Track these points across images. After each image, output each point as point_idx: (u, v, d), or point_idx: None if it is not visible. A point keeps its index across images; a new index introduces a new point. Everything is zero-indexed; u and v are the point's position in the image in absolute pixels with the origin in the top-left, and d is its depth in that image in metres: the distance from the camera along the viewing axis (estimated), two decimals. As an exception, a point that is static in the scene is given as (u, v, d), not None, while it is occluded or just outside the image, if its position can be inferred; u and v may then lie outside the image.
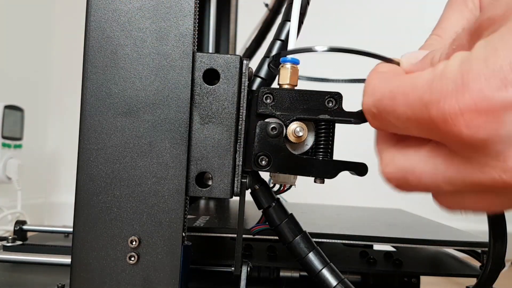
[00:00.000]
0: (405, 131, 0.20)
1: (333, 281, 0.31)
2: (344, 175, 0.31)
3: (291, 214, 0.33)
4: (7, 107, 1.05)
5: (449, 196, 0.20)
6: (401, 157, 0.21)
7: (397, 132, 0.21)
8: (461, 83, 0.17)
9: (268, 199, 0.33)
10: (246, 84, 0.30)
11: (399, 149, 0.21)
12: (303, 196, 0.71)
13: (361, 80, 0.28)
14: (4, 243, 0.49)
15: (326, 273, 0.31)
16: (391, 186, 0.21)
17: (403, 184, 0.21)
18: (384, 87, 0.21)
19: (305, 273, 0.38)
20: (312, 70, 0.35)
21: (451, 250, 0.48)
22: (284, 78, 0.31)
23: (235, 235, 0.33)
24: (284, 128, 0.30)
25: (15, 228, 0.56)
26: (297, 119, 0.30)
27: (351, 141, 0.77)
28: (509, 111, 0.16)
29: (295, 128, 0.29)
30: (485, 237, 0.39)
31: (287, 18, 0.32)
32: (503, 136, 0.17)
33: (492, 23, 0.19)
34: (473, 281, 0.41)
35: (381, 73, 0.22)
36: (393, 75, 0.21)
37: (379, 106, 0.21)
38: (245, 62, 0.30)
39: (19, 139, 1.10)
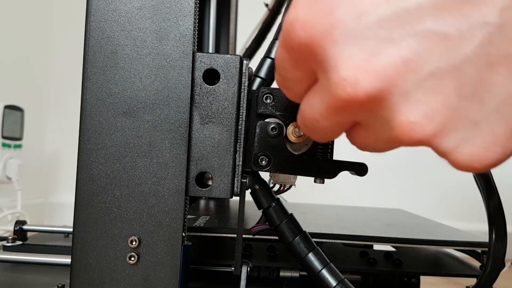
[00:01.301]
0: (293, 75, 0.23)
1: (333, 281, 0.31)
2: (344, 175, 0.31)
3: (291, 214, 0.33)
4: (7, 107, 1.05)
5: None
6: (302, 104, 0.23)
7: (292, 84, 0.23)
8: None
9: (268, 199, 0.33)
10: (246, 84, 0.30)
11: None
12: (303, 196, 0.71)
13: None
14: (4, 243, 0.49)
15: (326, 273, 0.31)
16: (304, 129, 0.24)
17: (307, 127, 0.23)
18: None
19: (305, 273, 0.38)
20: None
21: (451, 250, 0.48)
22: (284, 78, 0.31)
23: (235, 235, 0.33)
24: (284, 128, 0.30)
25: (15, 228, 0.56)
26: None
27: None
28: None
29: (295, 128, 0.29)
30: (485, 237, 0.39)
31: (287, 18, 0.32)
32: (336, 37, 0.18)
33: None
34: (473, 281, 0.41)
35: None
36: None
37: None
38: (245, 62, 0.30)
39: (19, 139, 1.10)
